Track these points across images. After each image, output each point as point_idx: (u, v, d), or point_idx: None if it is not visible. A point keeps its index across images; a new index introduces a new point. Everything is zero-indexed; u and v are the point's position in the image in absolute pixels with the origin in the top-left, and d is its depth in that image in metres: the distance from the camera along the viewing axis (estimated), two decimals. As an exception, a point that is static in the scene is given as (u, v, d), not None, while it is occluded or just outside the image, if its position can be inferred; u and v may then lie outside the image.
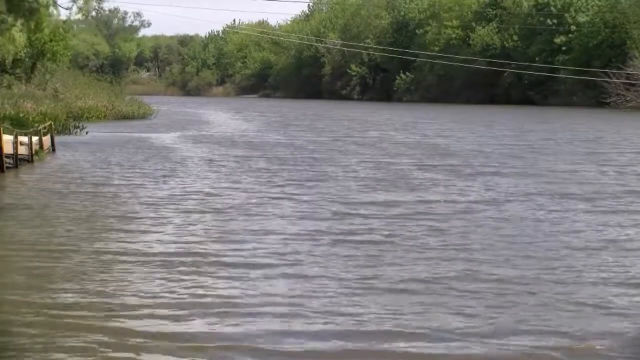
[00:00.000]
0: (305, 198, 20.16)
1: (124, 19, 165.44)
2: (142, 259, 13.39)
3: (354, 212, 18.06)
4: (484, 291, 11.31)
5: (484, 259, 13.35)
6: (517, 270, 12.57)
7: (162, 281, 11.94)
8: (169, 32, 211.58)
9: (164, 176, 25.00)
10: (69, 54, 67.47)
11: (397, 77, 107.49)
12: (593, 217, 17.58)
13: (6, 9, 31.97)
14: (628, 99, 76.01)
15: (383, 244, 14.53)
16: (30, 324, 9.85)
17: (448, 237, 15.17)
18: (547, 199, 20.16)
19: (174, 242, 14.78)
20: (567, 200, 19.87)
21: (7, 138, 27.00)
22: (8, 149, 26.83)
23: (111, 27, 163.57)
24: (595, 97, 79.07)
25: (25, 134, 29.91)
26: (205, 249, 14.22)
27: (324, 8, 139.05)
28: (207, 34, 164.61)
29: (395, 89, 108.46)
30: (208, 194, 20.93)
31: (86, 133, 44.33)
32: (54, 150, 34.02)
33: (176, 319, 10.14)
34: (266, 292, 11.29)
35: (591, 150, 34.57)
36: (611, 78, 76.12)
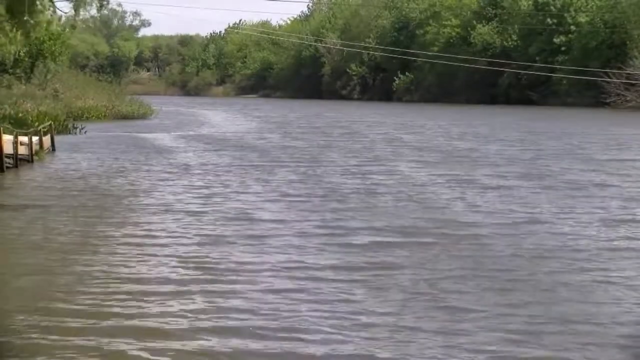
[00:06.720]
0: (311, 218, 18.25)
1: (123, 18, 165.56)
2: (141, 261, 13.39)
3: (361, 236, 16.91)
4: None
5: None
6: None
7: (163, 283, 11.94)
8: (169, 32, 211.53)
9: (164, 178, 24.91)
10: (67, 52, 67.26)
11: (397, 77, 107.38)
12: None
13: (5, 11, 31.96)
14: (628, 99, 76.00)
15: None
16: (27, 327, 9.83)
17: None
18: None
19: (174, 245, 14.76)
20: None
21: (7, 138, 26.97)
22: (8, 149, 26.80)
23: (111, 26, 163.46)
24: (595, 97, 79.02)
25: (25, 134, 29.88)
26: (204, 256, 14.01)
27: (324, 8, 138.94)
28: (209, 35, 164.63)
29: (395, 89, 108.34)
30: (208, 199, 20.71)
31: (85, 133, 44.28)
32: (54, 150, 34.00)
33: (182, 319, 10.15)
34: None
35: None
36: (611, 78, 76.07)
